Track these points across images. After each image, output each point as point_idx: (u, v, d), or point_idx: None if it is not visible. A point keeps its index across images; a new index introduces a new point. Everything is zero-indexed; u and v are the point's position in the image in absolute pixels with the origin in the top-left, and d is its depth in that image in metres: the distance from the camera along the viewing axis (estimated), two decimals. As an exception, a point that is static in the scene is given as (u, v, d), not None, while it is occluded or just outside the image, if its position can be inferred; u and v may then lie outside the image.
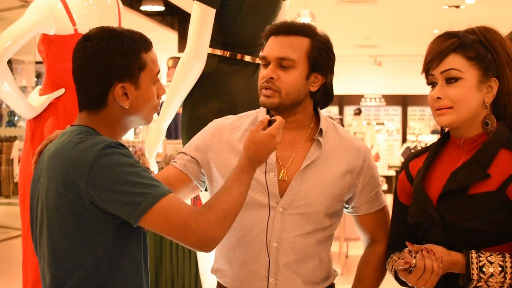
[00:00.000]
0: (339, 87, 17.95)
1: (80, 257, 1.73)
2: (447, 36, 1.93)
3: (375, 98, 16.87)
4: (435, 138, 13.37)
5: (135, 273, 1.80)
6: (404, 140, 16.19)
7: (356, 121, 13.58)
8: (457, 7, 10.33)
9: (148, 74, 1.83)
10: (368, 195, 2.19)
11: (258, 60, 2.81)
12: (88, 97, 1.82)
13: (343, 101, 16.57)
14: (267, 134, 1.86)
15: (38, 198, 1.83)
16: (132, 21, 11.43)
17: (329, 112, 16.38)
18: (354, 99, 16.39)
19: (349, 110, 16.30)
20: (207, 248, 1.77)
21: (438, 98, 1.90)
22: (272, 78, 2.08)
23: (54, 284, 1.76)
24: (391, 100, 16.98)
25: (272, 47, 2.10)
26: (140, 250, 1.83)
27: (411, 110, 17.07)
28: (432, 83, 1.94)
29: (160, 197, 1.69)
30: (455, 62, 1.89)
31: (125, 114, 1.83)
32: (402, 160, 13.71)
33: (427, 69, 1.94)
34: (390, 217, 2.20)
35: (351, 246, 7.33)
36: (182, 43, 11.41)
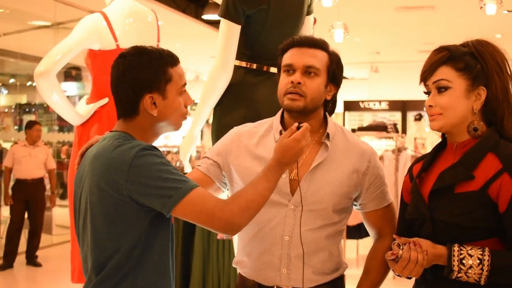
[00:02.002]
0: (402, 92, 17.86)
1: (119, 243, 1.98)
2: (440, 49, 2.10)
3: (438, 104, 16.57)
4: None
5: (162, 257, 2.05)
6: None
7: (417, 126, 13.47)
8: (518, 12, 10.19)
9: (174, 86, 2.07)
10: (374, 193, 2.36)
11: (282, 69, 3.00)
12: (123, 107, 2.08)
13: (406, 106, 16.46)
14: (292, 139, 2.07)
15: (81, 194, 2.09)
16: (197, 30, 11.74)
17: (393, 116, 16.31)
18: (417, 105, 16.20)
19: (411, 115, 16.12)
20: (231, 232, 2.02)
21: (430, 106, 2.08)
22: (299, 83, 2.27)
23: (96, 267, 2.02)
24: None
25: (299, 56, 2.30)
26: (169, 238, 2.08)
27: (476, 115, 16.68)
28: (427, 93, 2.12)
29: (189, 190, 1.94)
30: (444, 73, 2.06)
31: (155, 121, 2.08)
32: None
33: (423, 80, 2.12)
34: (397, 214, 2.36)
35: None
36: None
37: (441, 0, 9.68)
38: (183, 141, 3.15)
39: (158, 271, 2.04)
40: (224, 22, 2.98)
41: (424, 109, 2.12)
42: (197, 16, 11.13)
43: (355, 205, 2.41)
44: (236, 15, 2.96)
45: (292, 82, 2.28)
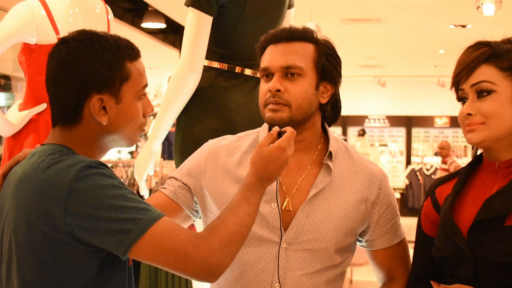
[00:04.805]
0: (343, 107, 17.81)
1: None
2: (478, 45, 1.74)
3: (379, 119, 16.72)
4: (439, 160, 13.18)
5: None
6: (408, 161, 16.01)
7: (359, 142, 13.37)
8: (464, 26, 10.13)
9: (132, 87, 1.60)
10: (384, 227, 1.96)
11: (259, 74, 2.61)
12: (61, 109, 1.59)
13: (346, 121, 16.44)
14: (276, 147, 1.65)
15: (3, 230, 1.58)
16: (134, 39, 11.25)
17: (333, 133, 16.25)
18: (358, 120, 16.23)
19: (352, 131, 16.13)
20: (211, 278, 1.53)
21: (469, 114, 1.70)
22: (278, 90, 1.85)
23: None
24: (395, 121, 16.85)
25: (275, 56, 1.87)
26: (125, 285, 1.60)
27: (415, 131, 16.95)
28: (462, 99, 1.75)
29: (152, 222, 1.47)
30: (486, 73, 1.70)
31: (104, 132, 1.60)
32: (407, 182, 13.52)
33: (457, 82, 1.75)
34: (410, 251, 1.98)
35: (355, 271, 7.12)
36: (183, 61, 11.26)
37: (389, 13, 9.54)
38: (140, 157, 2.67)
39: None
40: (193, 13, 2.52)
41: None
42: (135, 24, 10.65)
43: (360, 241, 1.99)
44: (207, 4, 2.51)
45: (270, 90, 1.85)
